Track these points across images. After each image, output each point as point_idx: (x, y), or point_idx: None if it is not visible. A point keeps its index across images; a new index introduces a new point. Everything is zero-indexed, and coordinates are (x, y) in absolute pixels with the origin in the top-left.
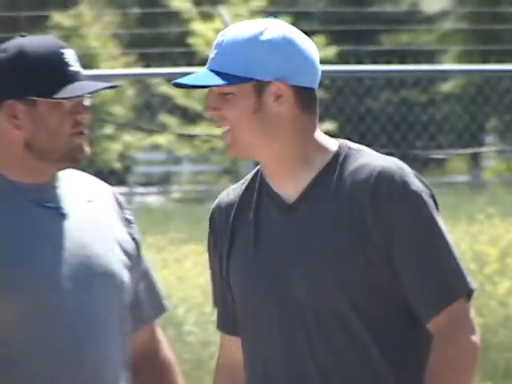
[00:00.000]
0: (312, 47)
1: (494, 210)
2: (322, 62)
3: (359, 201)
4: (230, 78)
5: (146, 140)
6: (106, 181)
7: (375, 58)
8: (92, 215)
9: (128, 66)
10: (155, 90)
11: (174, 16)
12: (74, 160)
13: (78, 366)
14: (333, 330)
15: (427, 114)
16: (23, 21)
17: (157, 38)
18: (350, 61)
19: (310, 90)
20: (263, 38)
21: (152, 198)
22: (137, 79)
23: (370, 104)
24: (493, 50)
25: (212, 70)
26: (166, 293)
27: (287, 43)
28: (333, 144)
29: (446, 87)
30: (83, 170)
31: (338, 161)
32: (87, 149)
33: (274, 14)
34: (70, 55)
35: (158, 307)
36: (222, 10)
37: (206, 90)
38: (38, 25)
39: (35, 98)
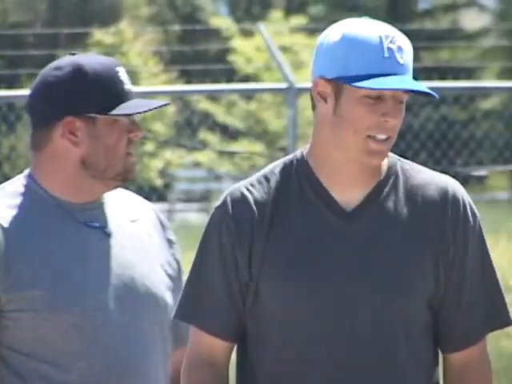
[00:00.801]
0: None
1: None
2: None
3: (436, 216)
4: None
5: (187, 157)
6: (146, 198)
7: (416, 74)
8: (136, 235)
9: (169, 83)
10: (196, 107)
11: (214, 33)
12: (125, 179)
13: None
14: (396, 345)
15: (467, 130)
16: (64, 38)
17: (197, 55)
18: None
19: None
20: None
21: (192, 215)
22: (177, 96)
23: (410, 121)
24: None
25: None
26: None
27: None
28: None
29: (487, 104)
30: (125, 187)
31: (395, 171)
32: (136, 168)
33: (314, 31)
34: (124, 73)
35: None
36: (262, 27)
37: (246, 107)
38: (78, 42)
39: (94, 115)
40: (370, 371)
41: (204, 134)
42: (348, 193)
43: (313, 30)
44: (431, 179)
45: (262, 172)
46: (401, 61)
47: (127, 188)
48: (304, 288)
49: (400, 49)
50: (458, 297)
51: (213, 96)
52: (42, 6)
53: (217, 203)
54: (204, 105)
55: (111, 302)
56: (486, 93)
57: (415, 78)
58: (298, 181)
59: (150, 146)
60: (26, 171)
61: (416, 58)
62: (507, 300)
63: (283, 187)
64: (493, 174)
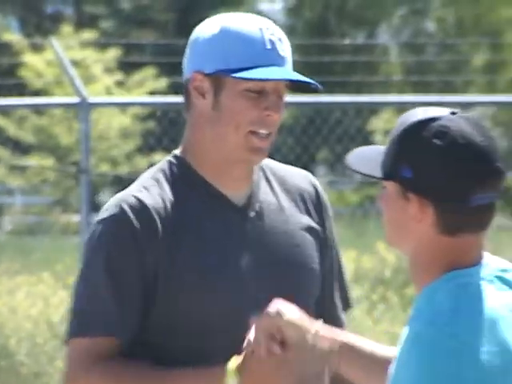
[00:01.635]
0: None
1: None
2: (154, 93)
3: (311, 204)
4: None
5: None
6: None
7: None
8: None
9: None
10: None
11: (5, 48)
12: None
13: None
14: None
15: None
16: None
17: None
18: (182, 92)
19: None
20: None
21: None
22: None
23: None
24: (323, 81)
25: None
26: None
27: None
28: None
29: None
30: None
31: (260, 164)
32: None
33: (105, 46)
34: None
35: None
36: (54, 42)
37: (37, 121)
38: None
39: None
40: None
41: None
42: (234, 189)
43: (104, 45)
44: (291, 170)
45: (144, 180)
46: (282, 53)
47: None
48: (220, 289)
49: (280, 40)
50: (326, 288)
51: (3, 110)
52: None
53: (107, 212)
54: None
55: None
56: None
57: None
58: (185, 182)
59: None
60: None
61: None
62: None
63: (174, 190)
64: None
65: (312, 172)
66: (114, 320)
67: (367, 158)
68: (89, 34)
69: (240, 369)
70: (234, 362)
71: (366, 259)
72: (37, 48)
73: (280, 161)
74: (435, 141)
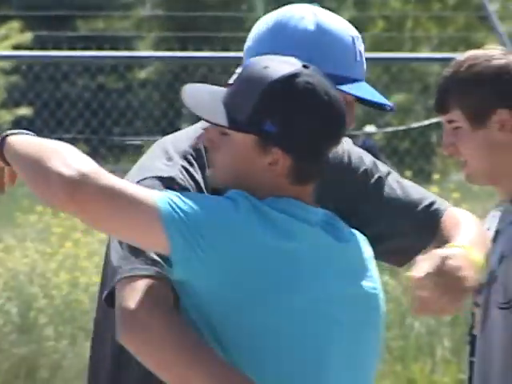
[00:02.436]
0: None
1: None
2: (19, 47)
3: None
4: None
5: None
6: None
7: (72, 44)
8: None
9: None
10: None
11: None
12: None
13: None
14: None
15: (124, 100)
16: None
17: None
18: (47, 47)
19: None
20: None
21: None
22: None
23: (67, 90)
24: (190, 36)
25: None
26: None
27: None
28: None
29: (143, 74)
30: None
31: None
32: None
33: None
34: None
35: None
36: None
37: None
38: None
39: None
40: None
41: None
42: None
43: None
44: None
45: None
46: (364, 66)
47: None
48: None
49: (362, 53)
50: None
51: None
52: None
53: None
54: None
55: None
56: (142, 62)
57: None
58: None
59: None
60: None
61: (72, 27)
62: None
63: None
64: (149, 143)
65: (178, 128)
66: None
67: (205, 101)
68: None
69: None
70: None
71: None
72: None
73: (145, 118)
74: (303, 99)
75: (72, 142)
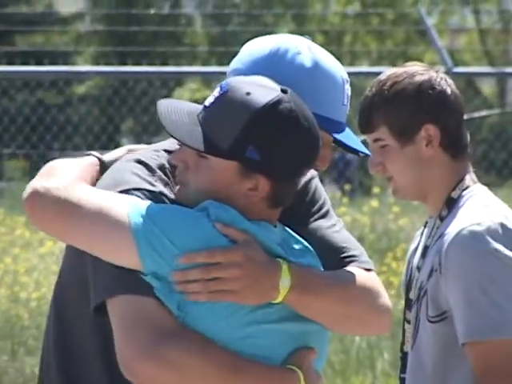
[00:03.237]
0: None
1: None
2: None
3: None
4: None
5: None
6: None
7: (11, 59)
8: None
9: None
10: None
11: None
12: None
13: None
14: None
15: (64, 115)
16: None
17: None
18: None
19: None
20: None
21: None
22: None
23: (6, 105)
24: (129, 51)
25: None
26: None
27: None
28: None
29: (82, 89)
30: None
31: None
32: None
33: None
34: None
35: None
36: None
37: None
38: None
39: None
40: None
41: None
42: None
43: None
44: None
45: (154, 162)
46: (347, 112)
47: None
48: None
49: (349, 97)
50: None
51: None
52: None
53: (137, 186)
54: None
55: None
56: (81, 77)
57: None
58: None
59: None
60: None
61: (11, 43)
62: None
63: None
64: None
65: (117, 143)
66: None
67: (185, 124)
68: None
69: None
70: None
71: None
72: None
73: (84, 132)
74: (286, 126)
75: (11, 156)
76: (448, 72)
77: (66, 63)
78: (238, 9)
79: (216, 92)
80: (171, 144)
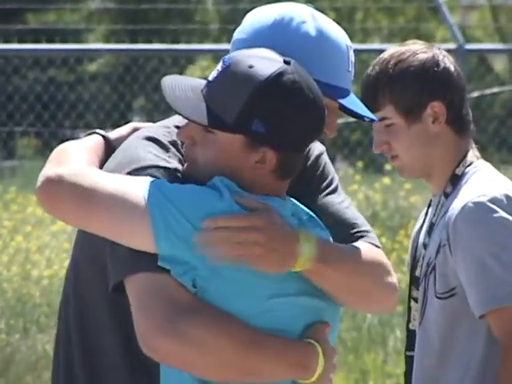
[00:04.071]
0: None
1: None
2: None
3: None
4: None
5: None
6: None
7: (22, 37)
8: None
9: None
10: None
11: None
12: None
13: None
14: None
15: (75, 93)
16: None
17: None
18: None
19: None
20: None
21: None
22: None
23: (18, 83)
24: (140, 29)
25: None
26: None
27: None
28: None
29: (94, 67)
30: None
31: None
32: None
33: None
34: None
35: None
36: None
37: None
38: None
39: None
40: None
41: None
42: None
43: None
44: None
45: (166, 138)
46: (352, 76)
47: None
48: None
49: (353, 63)
50: None
51: None
52: None
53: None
54: None
55: None
56: (92, 55)
57: None
58: None
59: None
60: None
61: (22, 21)
62: None
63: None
64: None
65: (129, 121)
66: None
67: (189, 100)
68: None
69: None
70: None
71: None
72: None
73: (96, 110)
74: (291, 97)
75: (23, 135)
76: (459, 49)
77: (76, 41)
78: None
79: (219, 66)
80: (181, 120)
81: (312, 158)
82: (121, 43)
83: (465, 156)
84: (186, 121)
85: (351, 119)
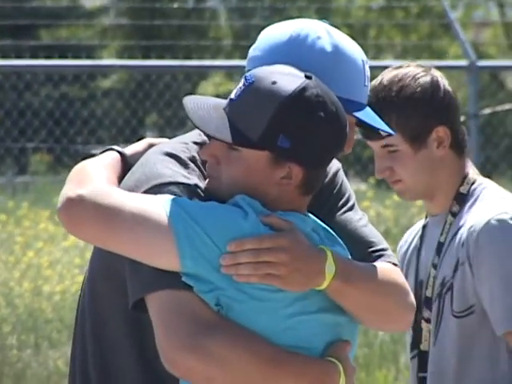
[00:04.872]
0: None
1: None
2: None
3: None
4: None
5: None
6: None
7: (35, 52)
8: None
9: None
10: None
11: None
12: None
13: None
14: None
15: (87, 109)
16: None
17: None
18: (10, 55)
19: None
20: None
21: None
22: None
23: (30, 99)
24: (153, 45)
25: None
26: None
27: None
28: None
29: (107, 83)
30: None
31: None
32: None
33: None
34: None
35: None
36: None
37: None
38: None
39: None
40: None
41: None
42: None
43: None
44: None
45: (185, 154)
46: (368, 91)
47: None
48: None
49: (369, 78)
50: None
51: None
52: None
53: (167, 179)
54: None
55: None
56: (106, 71)
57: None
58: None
59: None
60: None
61: (35, 37)
62: None
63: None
64: None
65: (141, 137)
66: None
67: (213, 118)
68: None
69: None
70: None
71: None
72: None
73: (108, 126)
74: (315, 112)
75: (35, 150)
76: (472, 65)
77: (89, 57)
78: (262, 2)
79: (241, 84)
80: (198, 135)
81: (330, 174)
82: (134, 59)
83: (466, 174)
84: (204, 136)
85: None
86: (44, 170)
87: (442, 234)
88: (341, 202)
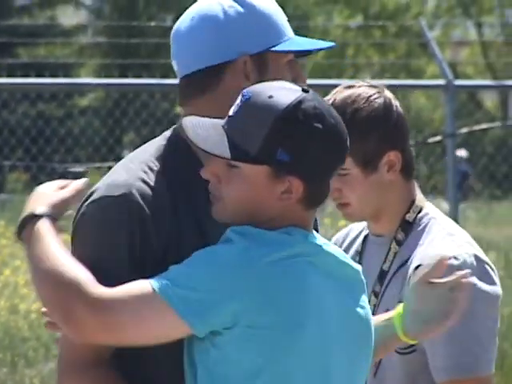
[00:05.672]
0: None
1: None
2: None
3: None
4: None
5: None
6: None
7: (12, 71)
8: None
9: None
10: None
11: None
12: None
13: None
14: None
15: (65, 127)
16: None
17: None
18: None
19: None
20: None
21: None
22: None
23: (6, 117)
24: (130, 64)
25: None
26: None
27: None
28: None
29: (84, 101)
30: None
31: None
32: None
33: None
34: None
35: None
36: None
37: None
38: None
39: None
40: None
41: None
42: None
43: None
44: None
45: (144, 157)
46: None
47: None
48: None
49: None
50: None
51: None
52: None
53: (109, 192)
54: None
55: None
56: (83, 89)
57: None
58: (180, 162)
59: None
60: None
61: (13, 55)
62: None
63: (177, 176)
64: (90, 170)
65: (118, 155)
66: None
67: (212, 136)
68: None
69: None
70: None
71: None
72: None
73: (85, 145)
74: (313, 124)
75: (12, 169)
76: (449, 84)
77: (67, 76)
78: None
79: (238, 101)
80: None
81: None
82: (111, 77)
83: (413, 200)
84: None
85: None
86: (21, 189)
87: (385, 262)
88: None
